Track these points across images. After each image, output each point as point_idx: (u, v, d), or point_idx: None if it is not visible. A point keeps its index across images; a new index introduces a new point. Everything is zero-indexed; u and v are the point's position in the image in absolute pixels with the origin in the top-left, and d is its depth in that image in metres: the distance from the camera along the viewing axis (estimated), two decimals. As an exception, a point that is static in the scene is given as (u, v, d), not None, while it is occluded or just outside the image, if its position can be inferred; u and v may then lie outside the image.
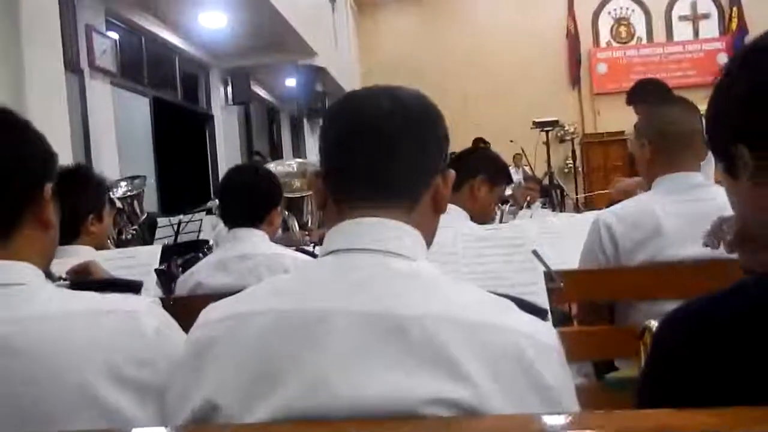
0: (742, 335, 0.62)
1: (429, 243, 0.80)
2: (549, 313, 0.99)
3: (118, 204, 3.35)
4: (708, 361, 0.63)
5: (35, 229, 0.85)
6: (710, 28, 11.74)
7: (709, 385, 0.62)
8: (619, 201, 1.83)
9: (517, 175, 8.25)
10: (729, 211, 0.79)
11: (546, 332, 0.71)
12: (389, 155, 0.76)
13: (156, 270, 1.66)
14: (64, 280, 1.14)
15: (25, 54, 3.85)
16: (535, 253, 1.28)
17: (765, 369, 0.60)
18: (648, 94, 3.11)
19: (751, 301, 0.64)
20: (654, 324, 0.90)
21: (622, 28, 11.98)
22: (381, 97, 0.79)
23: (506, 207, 5.23)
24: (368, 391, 0.64)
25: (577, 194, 8.17)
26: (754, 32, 9.86)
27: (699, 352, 0.64)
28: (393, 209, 0.76)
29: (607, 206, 1.89)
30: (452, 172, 0.82)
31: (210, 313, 0.76)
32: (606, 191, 3.90)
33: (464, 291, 0.73)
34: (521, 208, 5.05)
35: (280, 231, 2.73)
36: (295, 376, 0.66)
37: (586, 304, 1.66)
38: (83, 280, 1.12)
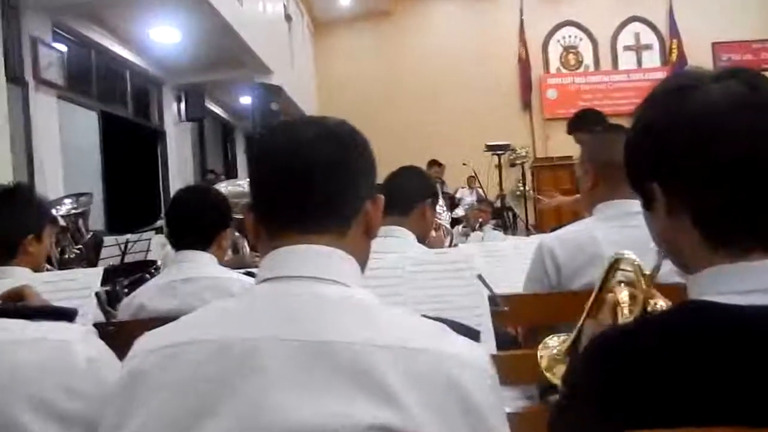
0: (660, 364, 0.64)
1: (363, 267, 0.81)
2: (481, 334, 1.00)
3: (62, 222, 3.23)
4: (629, 389, 0.64)
5: None
6: (653, 58, 12.25)
7: (632, 410, 0.64)
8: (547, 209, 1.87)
9: (470, 197, 8.39)
10: None
11: (479, 355, 0.72)
12: (318, 183, 0.76)
13: (99, 292, 1.60)
14: (-6, 306, 1.09)
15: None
16: (479, 277, 1.30)
17: (688, 395, 0.63)
18: (588, 123, 3.28)
19: (665, 331, 0.67)
20: (628, 254, 0.91)
21: (571, 56, 12.39)
22: (308, 127, 0.80)
23: (458, 228, 5.31)
24: (302, 419, 0.64)
25: (527, 217, 8.36)
26: (692, 63, 10.38)
27: (620, 379, 0.65)
28: (324, 235, 0.76)
29: (552, 230, 1.94)
30: (382, 197, 0.83)
31: (143, 342, 0.74)
32: (548, 197, 4.14)
33: (397, 316, 0.73)
34: (473, 229, 5.13)
35: (230, 252, 2.69)
36: (228, 406, 0.65)
37: (531, 327, 1.69)
38: (14, 306, 1.08)
